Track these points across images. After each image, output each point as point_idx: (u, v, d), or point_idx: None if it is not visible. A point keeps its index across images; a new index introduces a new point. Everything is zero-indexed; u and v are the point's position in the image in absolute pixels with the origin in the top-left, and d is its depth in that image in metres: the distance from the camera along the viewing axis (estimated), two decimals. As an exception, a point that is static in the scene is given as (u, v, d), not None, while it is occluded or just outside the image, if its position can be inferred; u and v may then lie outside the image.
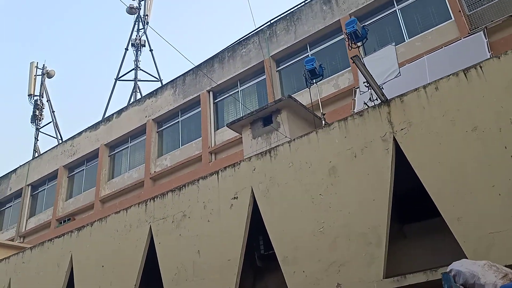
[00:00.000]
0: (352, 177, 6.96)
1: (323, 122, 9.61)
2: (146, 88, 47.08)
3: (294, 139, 7.94)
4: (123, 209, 10.11)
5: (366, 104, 7.59)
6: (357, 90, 10.74)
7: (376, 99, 7.71)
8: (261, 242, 8.41)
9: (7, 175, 23.75)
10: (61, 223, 19.06)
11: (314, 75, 9.42)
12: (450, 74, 6.61)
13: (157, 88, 18.78)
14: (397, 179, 6.70)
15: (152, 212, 9.54)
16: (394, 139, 6.70)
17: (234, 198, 8.37)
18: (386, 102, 6.96)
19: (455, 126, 6.30)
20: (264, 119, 10.93)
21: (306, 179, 7.49)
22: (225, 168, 8.93)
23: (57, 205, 19.76)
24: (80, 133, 20.61)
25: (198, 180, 9.20)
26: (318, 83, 9.98)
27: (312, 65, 9.15)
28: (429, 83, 6.72)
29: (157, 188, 15.66)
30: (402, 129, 6.69)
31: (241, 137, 14.00)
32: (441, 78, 6.62)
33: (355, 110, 10.00)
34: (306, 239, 7.09)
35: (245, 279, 8.04)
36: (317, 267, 6.81)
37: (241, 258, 7.80)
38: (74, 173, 20.49)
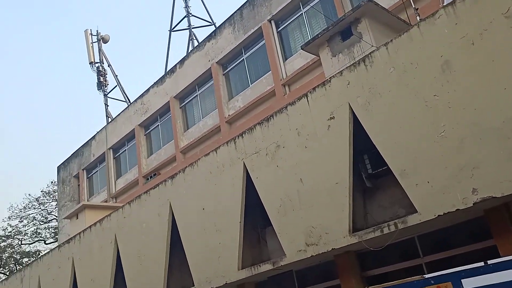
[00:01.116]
0: (473, 68, 6.01)
1: (418, 18, 8.48)
2: (201, 35, 46.55)
3: (391, 40, 7.00)
4: (212, 151, 9.84)
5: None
6: (445, -21, 9.35)
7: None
8: (367, 161, 7.76)
9: (87, 143, 24.68)
10: (148, 179, 19.59)
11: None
12: None
13: (215, 29, 18.05)
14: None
15: (243, 148, 9.16)
16: (523, 12, 5.61)
17: (331, 118, 7.72)
18: (505, -30, 5.79)
19: None
20: (342, 32, 9.96)
21: (414, 82, 6.62)
22: (314, 88, 8.23)
23: (140, 163, 20.25)
24: (147, 90, 20.62)
25: (286, 107, 8.60)
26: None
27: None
28: None
29: (234, 131, 15.35)
30: (532, -1, 5.56)
31: (315, 62, 13.16)
32: None
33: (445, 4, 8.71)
34: (426, 147, 6.34)
35: (355, 201, 7.51)
36: (444, 175, 6.10)
37: (350, 178, 7.25)
38: (150, 130, 20.75)
